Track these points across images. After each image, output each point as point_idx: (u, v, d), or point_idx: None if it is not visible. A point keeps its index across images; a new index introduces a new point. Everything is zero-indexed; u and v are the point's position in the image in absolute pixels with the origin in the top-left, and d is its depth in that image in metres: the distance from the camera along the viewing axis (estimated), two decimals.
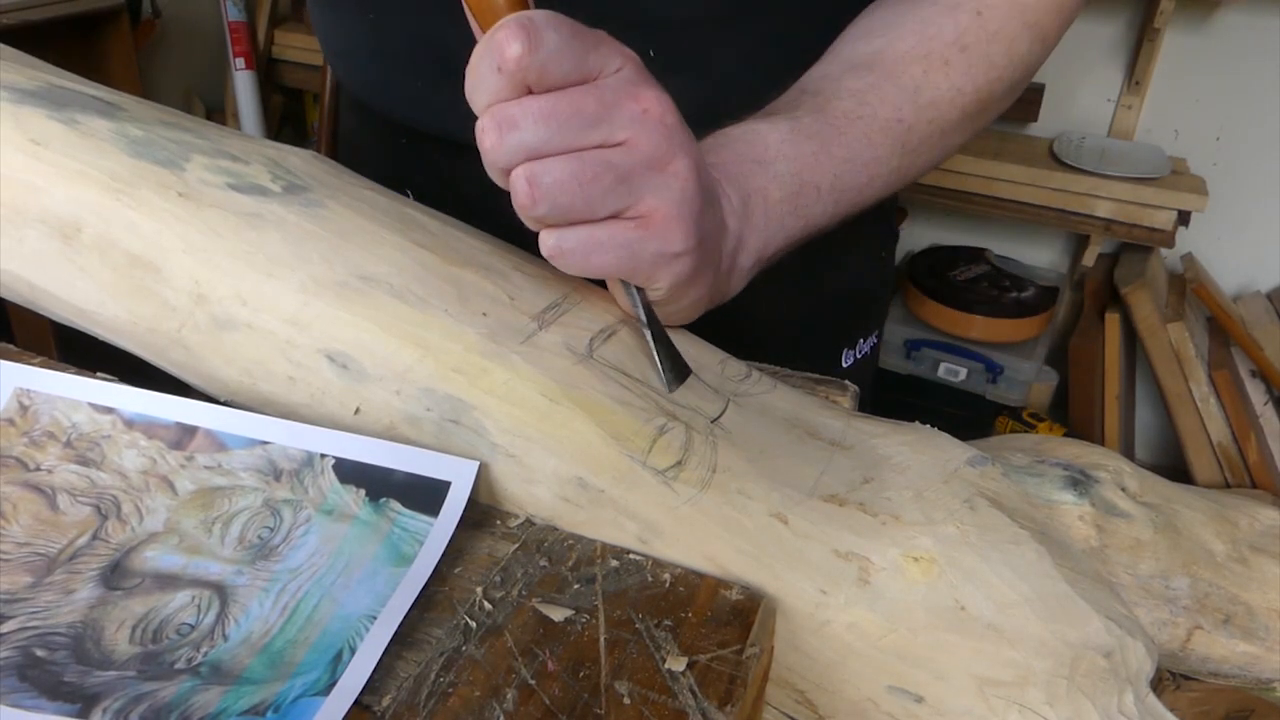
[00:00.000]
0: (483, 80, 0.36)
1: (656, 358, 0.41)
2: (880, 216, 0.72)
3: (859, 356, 0.72)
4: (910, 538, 0.37)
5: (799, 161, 0.47)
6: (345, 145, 0.76)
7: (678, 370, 0.41)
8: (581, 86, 0.37)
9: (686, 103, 0.49)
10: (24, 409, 0.40)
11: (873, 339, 0.74)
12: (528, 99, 0.36)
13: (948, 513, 0.38)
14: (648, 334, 0.41)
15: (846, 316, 0.72)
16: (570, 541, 0.38)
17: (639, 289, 0.42)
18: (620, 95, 0.37)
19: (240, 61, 2.04)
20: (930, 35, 0.51)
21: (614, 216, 0.38)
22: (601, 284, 0.47)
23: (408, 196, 0.62)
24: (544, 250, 0.39)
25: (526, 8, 0.36)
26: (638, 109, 0.38)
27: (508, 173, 0.37)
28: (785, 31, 0.55)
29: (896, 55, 0.50)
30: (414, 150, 0.64)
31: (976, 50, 0.51)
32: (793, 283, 0.66)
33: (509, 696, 0.31)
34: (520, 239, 0.53)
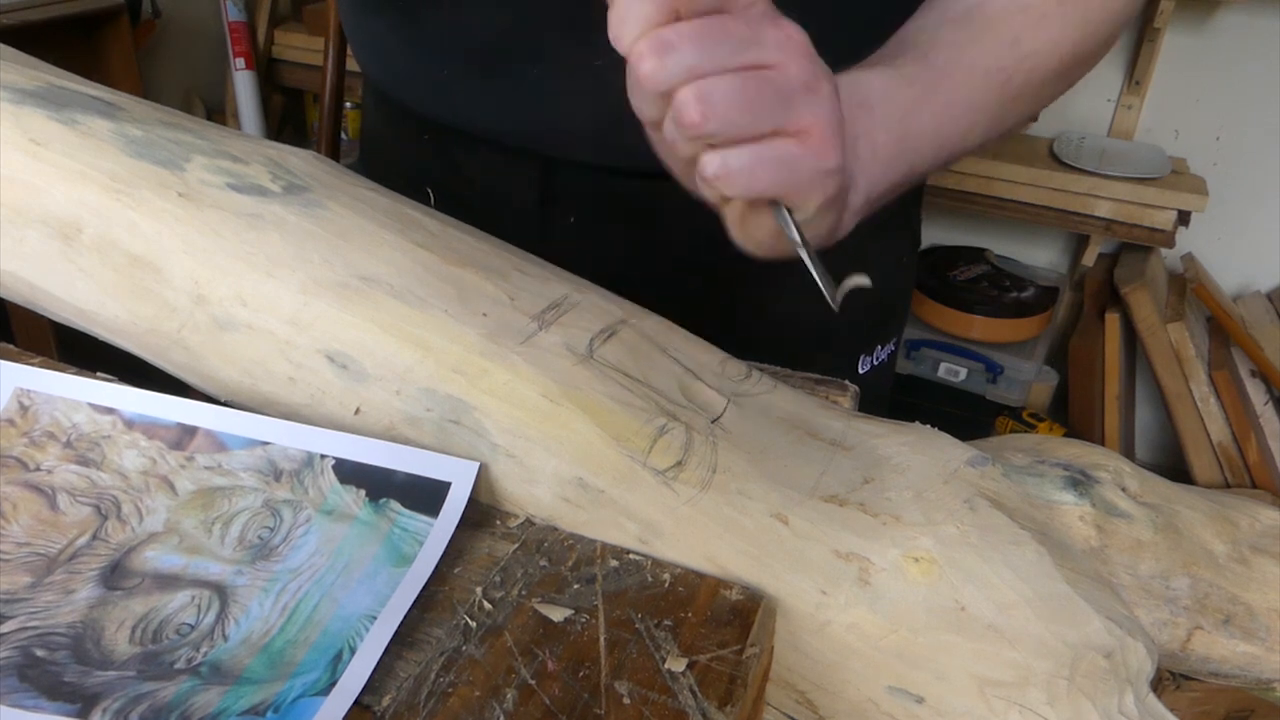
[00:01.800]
0: (633, 7, 0.37)
1: (817, 276, 0.41)
2: (904, 223, 0.72)
3: (876, 363, 0.72)
4: (910, 538, 0.37)
5: (902, 107, 0.48)
6: (368, 142, 0.76)
7: (841, 285, 0.41)
8: (727, 14, 0.38)
9: None
10: (24, 409, 0.40)
11: (890, 346, 0.74)
12: (680, 24, 0.37)
13: (948, 513, 0.38)
14: (804, 254, 0.41)
15: (866, 323, 0.71)
16: (570, 541, 0.38)
17: (790, 211, 0.42)
18: (765, 22, 0.38)
19: (240, 61, 2.04)
20: None
21: (773, 134, 0.39)
22: (601, 284, 0.47)
23: (429, 194, 0.63)
24: (708, 173, 0.39)
25: None
26: (782, 34, 0.38)
27: (667, 97, 0.38)
28: (821, 20, 0.55)
29: (995, 9, 0.51)
30: (437, 146, 0.64)
31: (1074, 4, 0.51)
32: (811, 286, 0.66)
33: (509, 696, 0.31)
34: (536, 235, 0.53)
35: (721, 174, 0.39)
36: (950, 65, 0.50)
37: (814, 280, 0.42)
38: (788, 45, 0.38)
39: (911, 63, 0.49)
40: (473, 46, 0.57)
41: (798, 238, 0.42)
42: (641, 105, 0.39)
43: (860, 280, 0.41)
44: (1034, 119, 1.78)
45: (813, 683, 0.37)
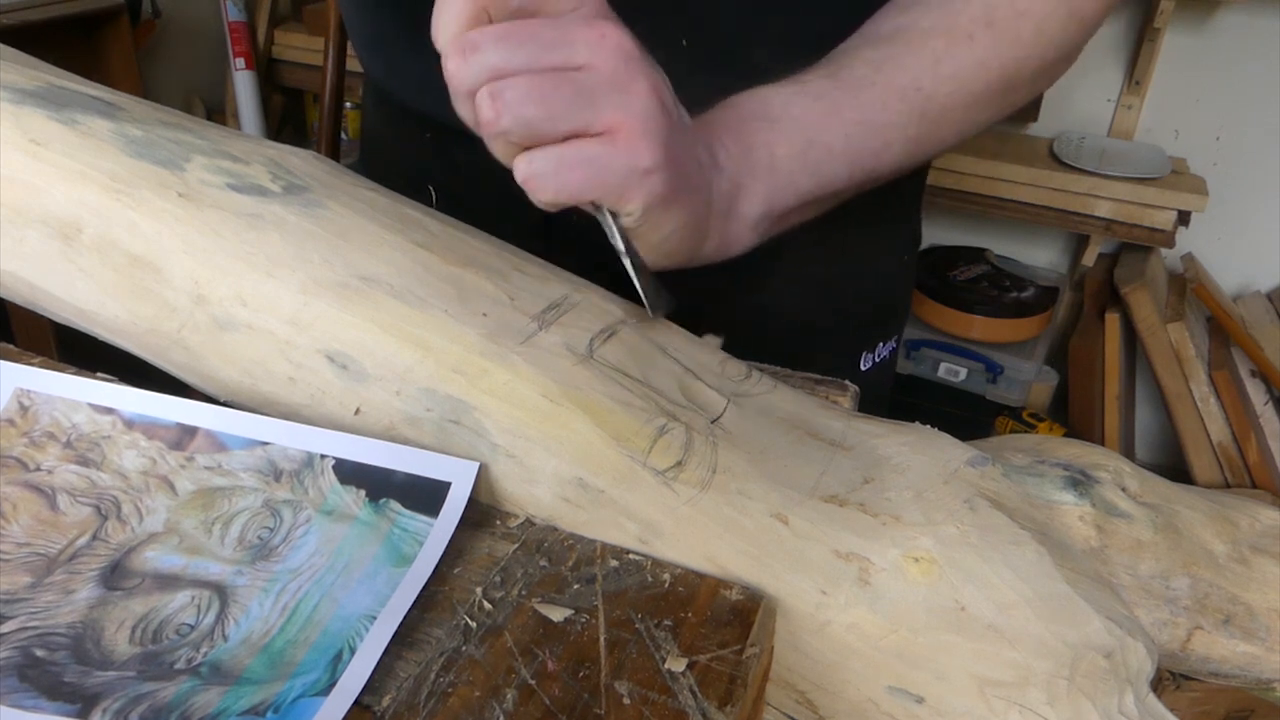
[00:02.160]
0: (445, 9, 0.38)
1: (638, 284, 0.41)
2: (904, 220, 0.72)
3: (878, 360, 0.72)
4: (910, 538, 0.37)
5: (806, 119, 0.47)
6: (368, 142, 0.76)
7: (662, 297, 0.41)
8: (538, 17, 0.38)
9: (723, 95, 0.49)
10: (24, 409, 0.40)
11: (892, 343, 0.74)
12: (488, 26, 0.38)
13: (948, 513, 0.38)
14: (626, 262, 0.41)
15: (867, 320, 0.71)
16: (570, 541, 0.38)
17: (614, 216, 0.42)
18: (577, 25, 0.39)
19: (240, 61, 2.05)
20: (956, 10, 0.50)
21: (578, 135, 0.39)
22: (603, 282, 0.47)
23: (431, 193, 0.63)
24: (519, 177, 0.39)
25: None
26: (595, 34, 0.39)
27: (473, 97, 0.38)
28: (822, 22, 0.55)
29: (919, 30, 0.50)
30: (438, 145, 0.64)
31: (1004, 26, 0.50)
32: (814, 285, 0.66)
33: (509, 696, 0.31)
34: (538, 233, 0.53)
35: (529, 177, 0.39)
36: (864, 82, 0.49)
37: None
38: (600, 44, 0.39)
39: (820, 79, 0.49)
40: None
41: (620, 244, 0.41)
42: (456, 106, 0.40)
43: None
44: (1034, 118, 1.78)
45: (813, 683, 0.37)
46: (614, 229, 0.41)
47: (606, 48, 0.39)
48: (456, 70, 0.38)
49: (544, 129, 0.38)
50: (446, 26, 0.38)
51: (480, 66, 0.38)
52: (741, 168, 0.46)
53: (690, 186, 0.43)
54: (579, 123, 0.39)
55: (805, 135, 0.47)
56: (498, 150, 0.40)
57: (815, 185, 0.49)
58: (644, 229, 0.42)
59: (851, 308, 0.69)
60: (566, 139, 0.39)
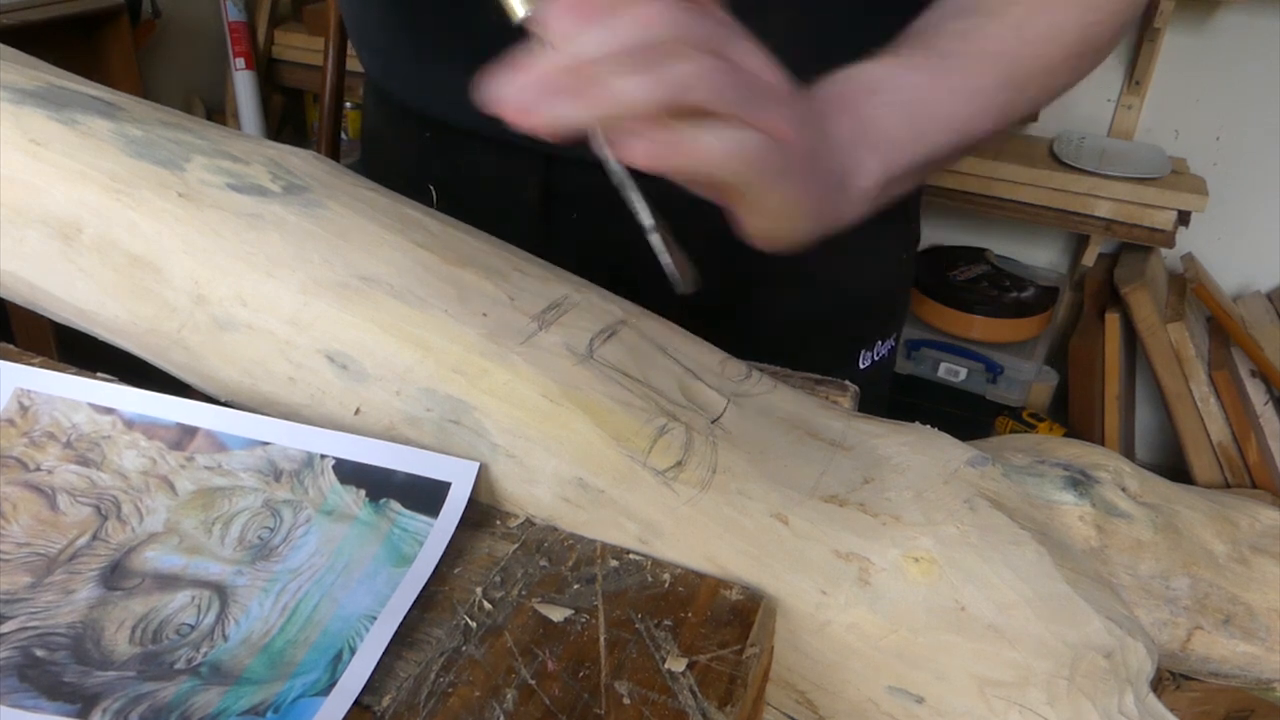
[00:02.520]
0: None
1: (670, 257, 0.39)
2: (902, 217, 0.72)
3: (876, 359, 0.72)
4: (910, 538, 0.37)
5: (909, 90, 0.48)
6: (369, 141, 0.76)
7: (690, 272, 0.39)
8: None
9: None
10: (24, 409, 0.40)
11: (890, 342, 0.74)
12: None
13: (948, 513, 0.38)
14: (654, 238, 0.38)
15: (865, 319, 0.71)
16: (570, 541, 0.38)
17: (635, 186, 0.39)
18: (739, 38, 0.38)
19: (240, 61, 2.05)
20: None
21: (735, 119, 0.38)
22: (603, 281, 0.47)
23: (431, 192, 0.62)
24: (656, 152, 0.35)
25: None
26: (760, 62, 0.38)
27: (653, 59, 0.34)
28: (822, 23, 0.55)
29: (997, 1, 0.51)
30: (438, 145, 0.64)
31: None
32: (812, 283, 0.66)
33: (509, 696, 0.31)
34: (539, 232, 0.53)
35: (691, 151, 0.35)
36: (955, 51, 0.50)
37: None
38: (765, 62, 0.38)
39: (915, 51, 0.50)
40: (473, 43, 0.57)
41: (649, 220, 0.38)
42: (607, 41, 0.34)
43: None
44: (1034, 118, 1.78)
45: (813, 683, 0.37)
46: (641, 203, 0.38)
47: (771, 68, 0.39)
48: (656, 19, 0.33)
49: (718, 107, 0.36)
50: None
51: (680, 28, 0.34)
52: (853, 142, 0.46)
53: (810, 169, 0.42)
54: (748, 111, 0.37)
55: (911, 105, 0.48)
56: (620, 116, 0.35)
57: (925, 152, 0.49)
58: (759, 200, 0.40)
59: (849, 306, 0.69)
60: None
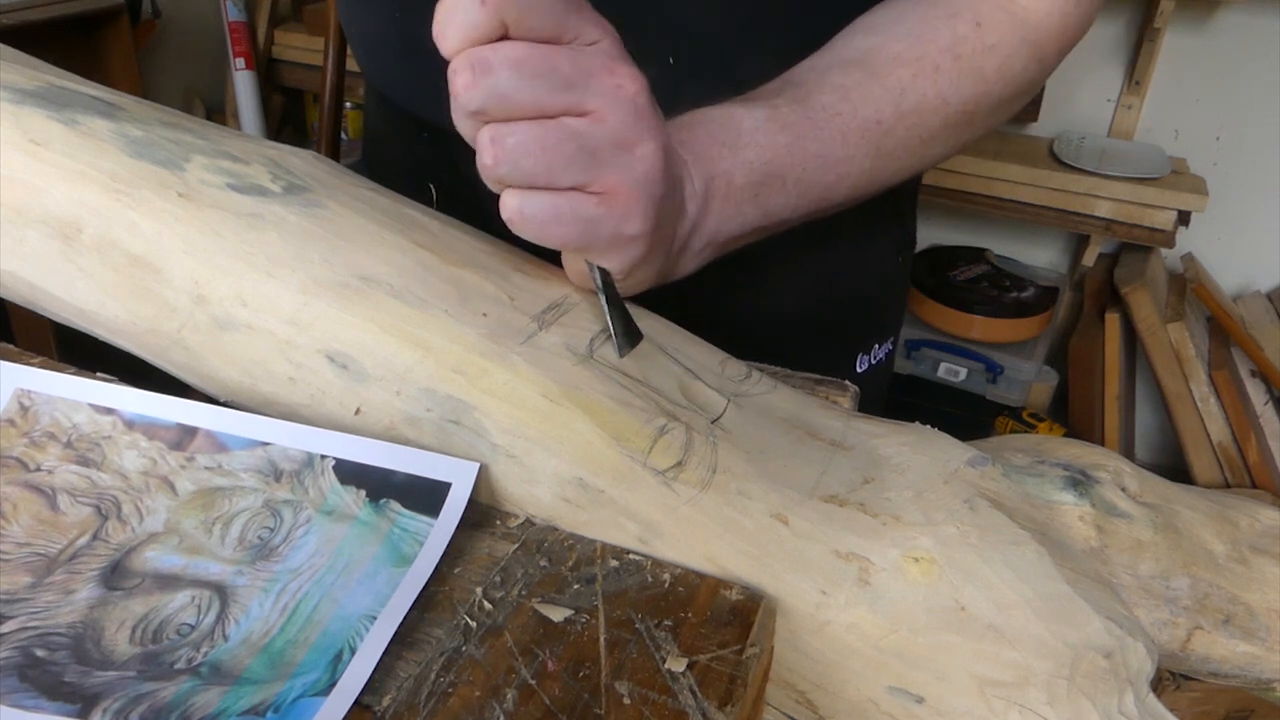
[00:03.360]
0: (458, 10, 0.35)
1: (610, 323, 0.41)
2: (897, 221, 0.72)
3: (874, 362, 0.72)
4: (910, 538, 0.37)
5: (770, 150, 0.47)
6: (370, 142, 0.76)
7: (630, 337, 0.41)
8: (558, 47, 0.36)
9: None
10: (24, 409, 0.40)
11: (888, 345, 0.74)
12: (504, 43, 0.35)
13: (948, 513, 0.38)
14: (602, 299, 0.41)
15: (861, 321, 0.71)
16: (570, 541, 0.38)
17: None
18: (596, 65, 0.37)
19: (240, 61, 2.05)
20: (926, 39, 0.50)
21: (575, 189, 0.38)
22: None
23: (431, 193, 0.62)
24: (504, 213, 0.38)
25: None
26: (612, 83, 0.37)
27: (476, 121, 0.37)
28: (804, 43, 0.55)
29: (888, 55, 0.50)
30: (437, 146, 0.64)
31: (969, 61, 0.50)
32: (807, 286, 0.66)
33: (509, 696, 0.31)
34: None
35: (516, 218, 0.38)
36: (830, 112, 0.48)
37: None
38: (614, 94, 0.37)
39: (791, 104, 0.48)
40: None
41: (598, 282, 0.41)
42: (456, 120, 0.38)
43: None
44: (1034, 118, 1.78)
45: (813, 683, 0.37)
46: (594, 269, 0.42)
47: (620, 99, 0.37)
48: (464, 89, 0.36)
49: (540, 180, 0.37)
50: (458, 32, 0.35)
51: (489, 91, 0.35)
52: (701, 205, 0.46)
53: (664, 246, 0.43)
54: (577, 180, 0.38)
55: (765, 168, 0.47)
56: (489, 184, 0.39)
57: (762, 216, 0.48)
58: (624, 276, 0.43)
59: (844, 310, 0.69)
60: (562, 190, 0.38)
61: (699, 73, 0.55)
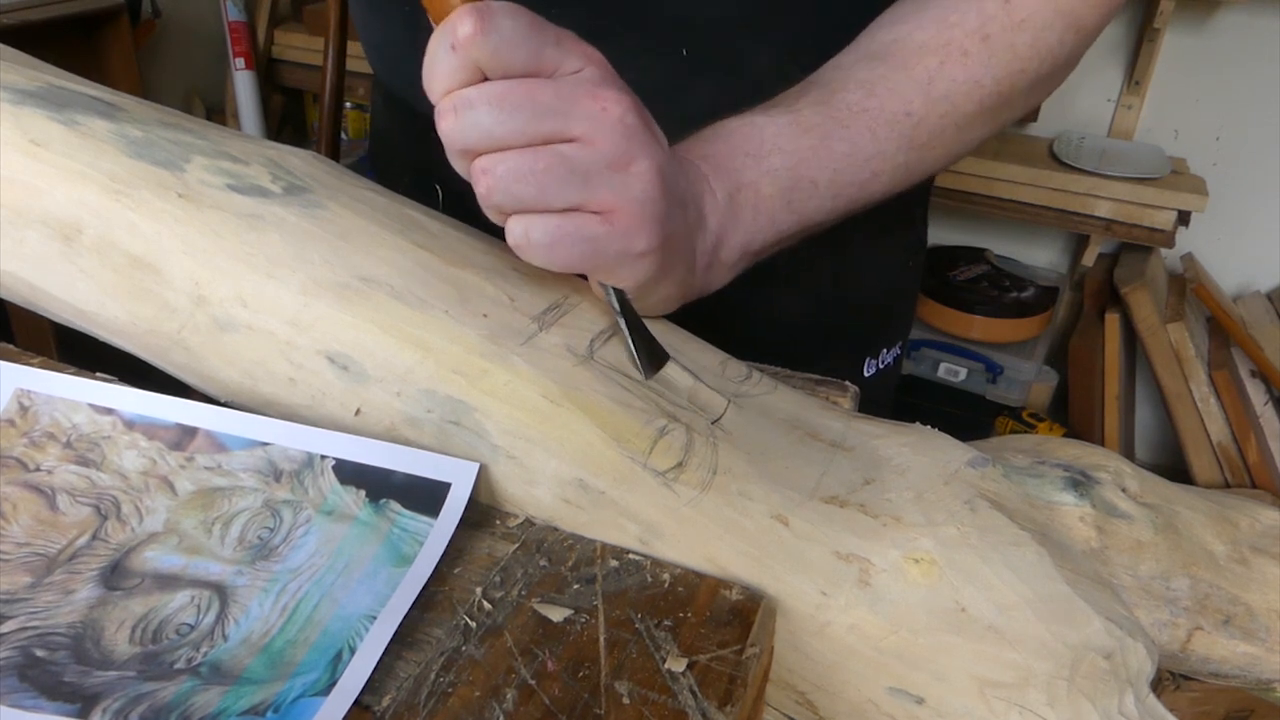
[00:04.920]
0: (437, 62, 0.37)
1: (631, 346, 0.41)
2: (909, 225, 0.71)
3: (881, 367, 0.71)
4: (911, 539, 0.37)
5: (795, 155, 0.47)
6: (376, 141, 0.76)
7: (654, 358, 0.41)
8: (538, 79, 0.37)
9: (718, 104, 0.48)
10: (24, 409, 0.40)
11: (896, 349, 0.73)
12: (484, 84, 0.36)
13: (948, 514, 0.38)
14: (621, 322, 0.41)
15: (870, 325, 0.71)
16: (570, 541, 0.38)
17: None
18: (578, 92, 0.37)
19: (240, 61, 2.05)
20: (952, 23, 0.49)
21: (575, 210, 0.38)
22: None
23: (438, 193, 0.62)
24: (510, 240, 0.39)
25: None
26: (595, 107, 0.37)
27: (467, 158, 0.38)
28: (817, 32, 0.54)
29: (914, 45, 0.49)
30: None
31: (999, 40, 0.49)
32: (816, 290, 0.65)
33: (509, 696, 0.31)
34: None
35: (523, 244, 0.38)
36: (855, 109, 0.48)
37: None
38: (600, 117, 0.37)
39: (813, 105, 0.48)
40: None
41: (615, 305, 0.41)
42: (451, 161, 0.39)
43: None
44: (1034, 117, 1.78)
45: (813, 684, 0.37)
46: (610, 292, 0.41)
47: (607, 122, 0.37)
48: (449, 130, 0.37)
49: (536, 206, 0.38)
50: (440, 82, 0.37)
51: (472, 127, 0.36)
52: (725, 217, 0.45)
53: (681, 260, 0.43)
54: (573, 201, 0.38)
55: (792, 173, 0.47)
56: (491, 216, 0.39)
57: (797, 221, 0.48)
58: (642, 294, 0.43)
59: (854, 313, 0.68)
60: (562, 211, 0.38)
61: (712, 64, 0.54)
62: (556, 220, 0.38)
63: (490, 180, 0.37)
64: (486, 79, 0.37)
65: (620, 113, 0.38)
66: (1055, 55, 0.51)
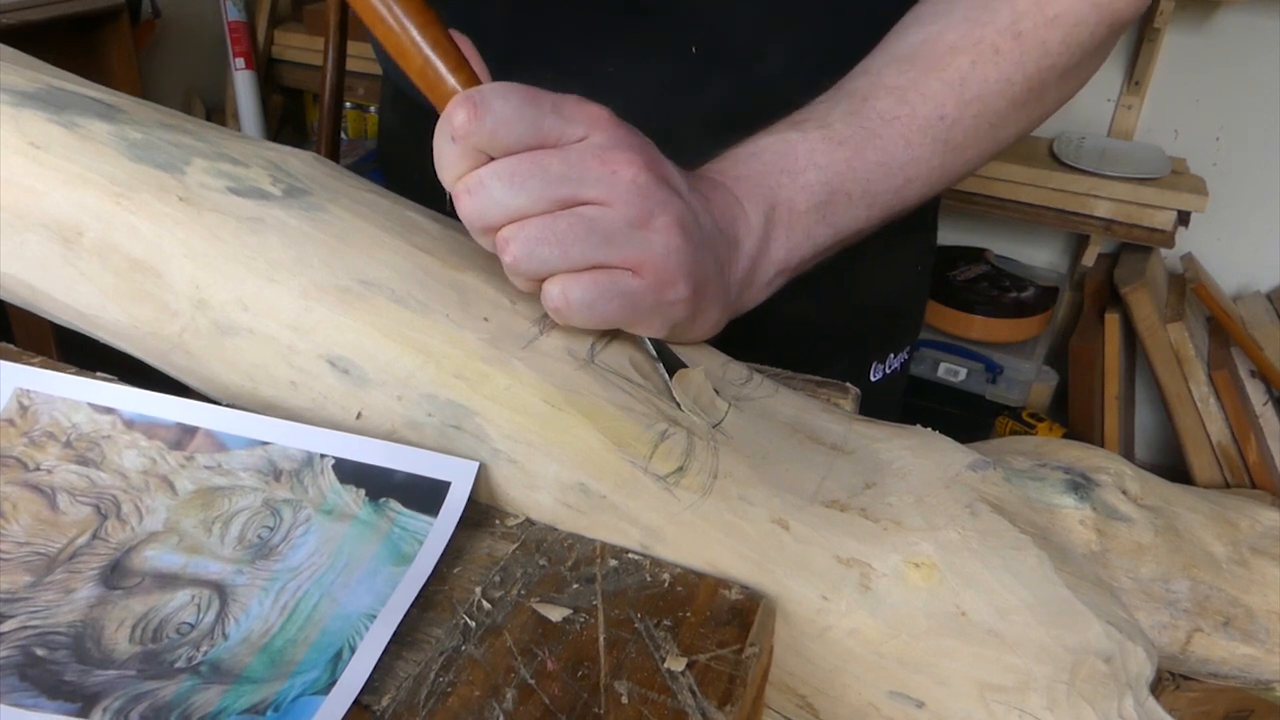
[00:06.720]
0: (443, 153, 0.38)
1: (662, 371, 0.41)
2: (919, 229, 0.71)
3: (889, 371, 0.71)
4: (911, 543, 0.37)
5: (830, 170, 0.47)
6: (385, 141, 0.76)
7: (716, 404, 0.42)
8: (544, 150, 0.38)
9: (730, 101, 0.48)
10: (24, 409, 0.40)
11: (904, 354, 0.72)
12: (492, 162, 0.37)
13: (949, 518, 0.38)
14: (661, 368, 0.42)
15: (878, 330, 0.70)
16: (569, 541, 0.38)
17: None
18: (586, 159, 0.38)
19: (240, 61, 2.05)
20: (983, 21, 0.48)
21: (605, 267, 0.39)
22: None
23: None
24: (549, 304, 0.39)
25: (478, 83, 0.38)
26: (606, 170, 0.38)
27: (489, 236, 0.39)
28: (829, 30, 0.54)
29: (944, 45, 0.48)
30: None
31: (1031, 37, 0.48)
32: (824, 294, 0.65)
33: (508, 696, 0.31)
34: None
35: (562, 305, 0.39)
36: (887, 117, 0.47)
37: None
38: (611, 181, 0.38)
39: (845, 117, 0.47)
40: (484, 49, 0.57)
41: (653, 353, 0.42)
42: (476, 239, 0.40)
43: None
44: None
45: (814, 687, 0.37)
46: (644, 343, 0.42)
47: (620, 185, 0.38)
48: (468, 211, 0.38)
49: (561, 266, 0.38)
50: (449, 171, 0.38)
51: (487, 203, 0.37)
52: (761, 238, 0.46)
53: (715, 296, 0.43)
54: (597, 260, 0.38)
55: (827, 187, 0.47)
56: (520, 285, 0.40)
57: (833, 234, 0.48)
58: (669, 339, 0.43)
59: (863, 318, 0.68)
60: (596, 269, 0.39)
61: (721, 62, 0.54)
62: (590, 277, 0.38)
63: (515, 248, 0.37)
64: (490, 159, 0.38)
65: (632, 174, 0.38)
66: (1086, 49, 0.50)
